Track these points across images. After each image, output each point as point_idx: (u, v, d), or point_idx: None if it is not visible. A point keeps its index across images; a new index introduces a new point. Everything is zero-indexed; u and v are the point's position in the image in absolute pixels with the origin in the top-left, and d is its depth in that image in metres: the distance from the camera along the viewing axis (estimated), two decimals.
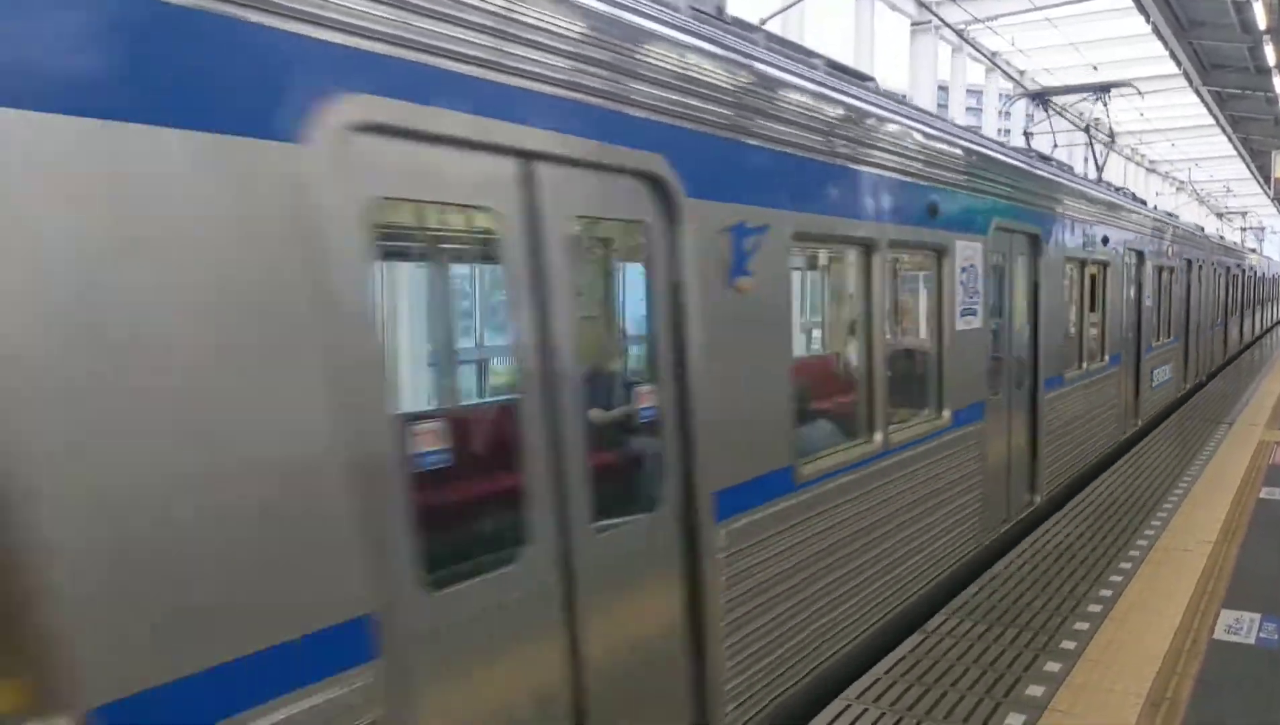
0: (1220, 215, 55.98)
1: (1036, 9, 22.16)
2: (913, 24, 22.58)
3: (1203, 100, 25.81)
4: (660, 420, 3.75)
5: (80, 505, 1.94)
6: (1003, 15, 23.16)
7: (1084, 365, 9.80)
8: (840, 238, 5.23)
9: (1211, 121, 29.35)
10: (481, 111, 2.87)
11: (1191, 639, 5.37)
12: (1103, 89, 13.71)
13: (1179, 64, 21.91)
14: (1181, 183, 45.98)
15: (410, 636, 2.65)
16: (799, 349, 5.17)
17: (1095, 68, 26.43)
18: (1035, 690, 4.75)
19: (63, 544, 1.92)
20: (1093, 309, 10.18)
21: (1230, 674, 4.91)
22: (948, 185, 6.19)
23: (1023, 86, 29.14)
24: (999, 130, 25.59)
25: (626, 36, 3.49)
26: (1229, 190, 48.76)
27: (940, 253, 6.21)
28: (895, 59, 23.61)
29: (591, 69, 3.29)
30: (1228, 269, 21.71)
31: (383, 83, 2.56)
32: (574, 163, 3.25)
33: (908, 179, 5.68)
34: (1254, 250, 35.93)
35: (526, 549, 3.10)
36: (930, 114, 7.31)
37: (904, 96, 8.04)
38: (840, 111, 4.93)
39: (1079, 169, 11.93)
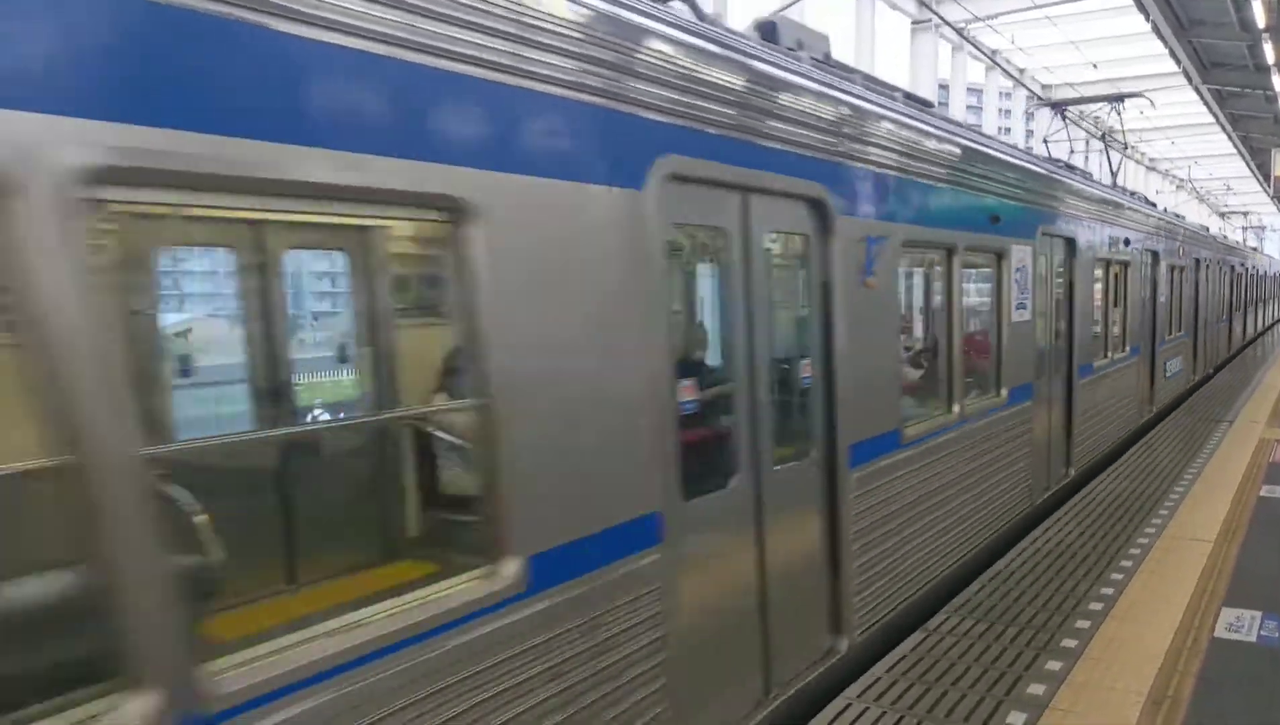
0: (1223, 215, 56.04)
1: (1036, 7, 22.15)
2: (913, 22, 22.56)
3: (1202, 98, 25.80)
4: (814, 388, 4.89)
5: (530, 432, 3.08)
6: (1003, 13, 23.15)
7: (1109, 355, 10.86)
8: (932, 244, 6.34)
9: (1211, 120, 29.34)
10: (721, 159, 4.00)
11: (1192, 637, 5.38)
12: (1118, 99, 15.02)
13: (1178, 62, 21.89)
14: (1181, 181, 45.97)
15: (676, 529, 3.76)
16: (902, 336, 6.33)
17: (1095, 66, 26.43)
18: (1036, 689, 4.75)
19: (523, 458, 3.06)
20: (1115, 305, 11.16)
21: (1231, 672, 4.92)
22: (1005, 198, 7.33)
23: (1023, 85, 29.18)
24: (998, 128, 25.58)
25: (807, 96, 4.69)
26: (1229, 188, 48.75)
27: (1000, 255, 7.28)
28: (895, 57, 23.61)
29: (787, 126, 4.46)
30: (1232, 267, 22.75)
31: (680, 146, 3.76)
32: (770, 193, 4.41)
33: (976, 194, 6.79)
34: (1255, 249, 36.62)
35: (734, 479, 4.30)
36: (987, 134, 8.71)
37: (968, 123, 9.54)
38: (933, 142, 6.11)
39: (1095, 175, 12.64)
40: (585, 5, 3.30)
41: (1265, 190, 39.24)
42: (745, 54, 4.36)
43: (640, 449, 3.58)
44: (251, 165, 2.29)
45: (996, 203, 7.12)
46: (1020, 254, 7.59)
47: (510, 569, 3.01)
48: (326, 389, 4.22)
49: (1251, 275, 28.14)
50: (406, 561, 3.38)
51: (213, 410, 4.27)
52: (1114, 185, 13.26)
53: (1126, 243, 11.34)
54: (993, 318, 7.35)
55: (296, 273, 4.10)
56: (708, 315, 4.71)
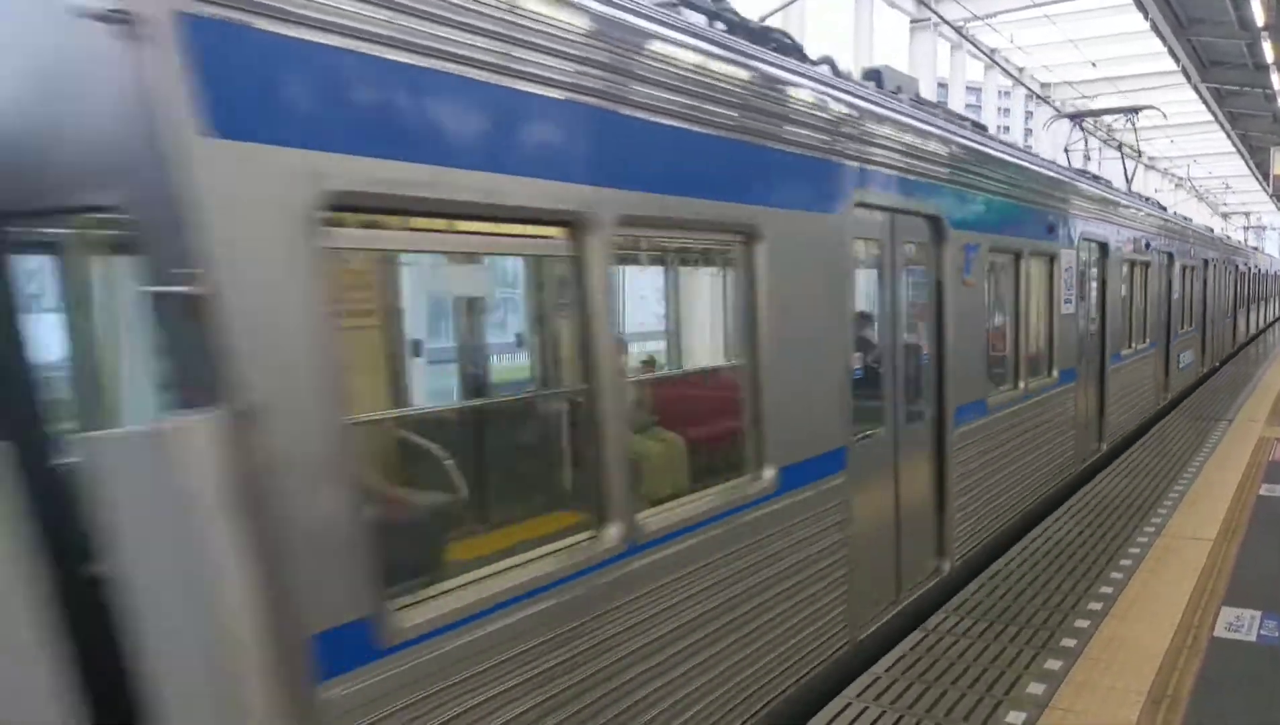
0: (1225, 215, 56.12)
1: (1035, 5, 22.13)
2: (912, 21, 22.55)
3: (1201, 97, 25.79)
4: (929, 364, 6.27)
5: (781, 383, 4.40)
6: (1002, 12, 23.14)
7: (1134, 346, 12.14)
8: (1007, 250, 7.60)
9: (1210, 118, 29.33)
10: (881, 189, 5.37)
11: (1192, 636, 5.38)
12: (1132, 111, 16.11)
13: (1177, 61, 21.87)
14: (1180, 180, 45.97)
15: (853, 460, 5.08)
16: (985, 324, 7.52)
17: (1094, 64, 26.43)
18: (1036, 688, 4.76)
19: (777, 400, 4.39)
20: (1137, 302, 12.38)
21: (1231, 671, 4.92)
22: (1057, 209, 8.71)
23: (1022, 84, 29.18)
24: (998, 127, 25.54)
25: (932, 140, 6.10)
26: (1228, 187, 48.74)
27: (1052, 258, 8.62)
28: (895, 56, 23.60)
29: (918, 162, 5.82)
30: (1236, 267, 24.09)
31: (860, 182, 5.11)
32: (908, 212, 5.79)
33: (1037, 207, 8.16)
34: (1256, 248, 37.15)
35: (881, 428, 5.67)
36: (1036, 155, 10.39)
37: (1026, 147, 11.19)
38: (1010, 166, 7.65)
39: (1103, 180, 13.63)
40: (816, 88, 4.86)
41: (1264, 188, 39.24)
42: (890, 109, 5.74)
43: (835, 400, 4.97)
44: (691, 212, 3.91)
45: (1051, 213, 8.55)
46: (1067, 257, 8.95)
47: (769, 474, 4.39)
48: (706, 351, 6.20)
49: (1254, 274, 29.37)
50: (721, 474, 4.46)
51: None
52: (1129, 191, 14.53)
53: (1147, 246, 12.67)
54: (1046, 311, 8.63)
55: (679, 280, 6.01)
56: (866, 304, 5.78)
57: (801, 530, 4.64)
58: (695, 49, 3.96)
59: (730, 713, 4.11)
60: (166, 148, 2.16)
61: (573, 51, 3.22)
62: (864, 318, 5.63)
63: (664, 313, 5.74)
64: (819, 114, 4.74)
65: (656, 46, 3.67)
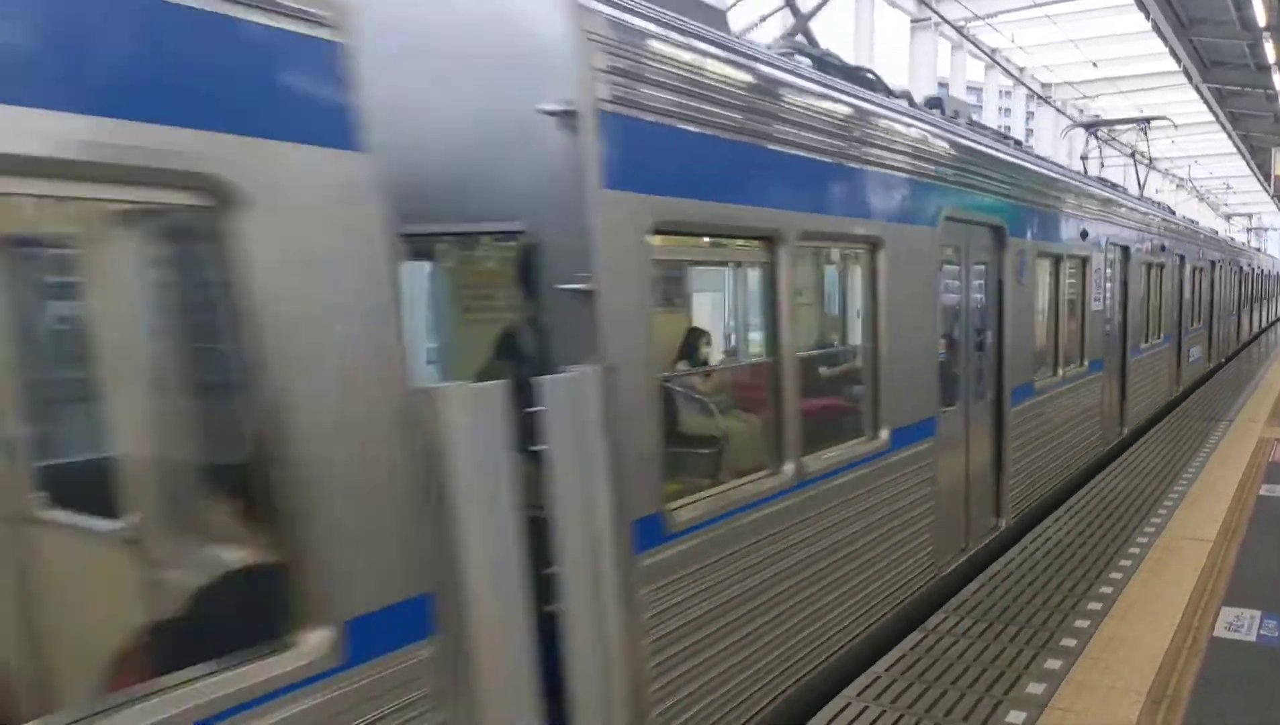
0: (1228, 217, 56.18)
1: (1036, 5, 22.12)
2: (912, 20, 22.54)
3: (1202, 97, 25.77)
4: (990, 350, 7.35)
5: (895, 362, 5.46)
6: (1002, 12, 23.13)
7: (1150, 341, 13.22)
8: (1052, 255, 8.69)
9: (1211, 118, 29.30)
10: (961, 205, 6.47)
11: (1192, 636, 5.37)
12: (1145, 121, 17.67)
13: (1179, 61, 21.86)
14: (1181, 180, 45.95)
15: (939, 428, 6.16)
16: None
17: (1095, 64, 26.40)
18: (1036, 688, 4.75)
19: (891, 374, 5.44)
20: (1153, 301, 13.42)
21: (1231, 671, 4.92)
22: (1089, 217, 9.86)
23: (1023, 84, 29.15)
24: (999, 126, 25.53)
25: (999, 164, 7.34)
26: (1229, 187, 48.72)
27: (1085, 261, 9.71)
28: (894, 55, 23.59)
29: (988, 180, 7.02)
30: (1240, 267, 25.39)
31: (949, 200, 6.22)
32: (979, 224, 6.98)
33: (1075, 216, 9.34)
34: (1259, 249, 37.74)
35: (956, 403, 6.74)
36: (1067, 168, 11.30)
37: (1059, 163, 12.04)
38: (1055, 179, 8.98)
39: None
40: (921, 126, 6.10)
41: (1265, 189, 39.22)
42: (968, 139, 6.98)
43: (929, 377, 6.08)
44: (840, 228, 5.17)
45: (1084, 222, 9.68)
46: (1097, 260, 10.08)
47: (884, 435, 5.43)
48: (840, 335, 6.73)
49: (1256, 274, 30.52)
50: (852, 433, 5.42)
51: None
52: (1141, 197, 15.50)
53: (1162, 249, 13.78)
54: (1080, 308, 9.70)
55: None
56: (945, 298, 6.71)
57: (904, 482, 5.74)
58: (847, 104, 5.14)
59: (860, 617, 5.30)
60: (583, 195, 3.30)
61: (790, 117, 4.53)
62: (947, 311, 6.71)
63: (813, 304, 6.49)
64: (923, 147, 6.00)
65: (822, 105, 4.85)
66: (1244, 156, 36.84)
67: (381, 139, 2.55)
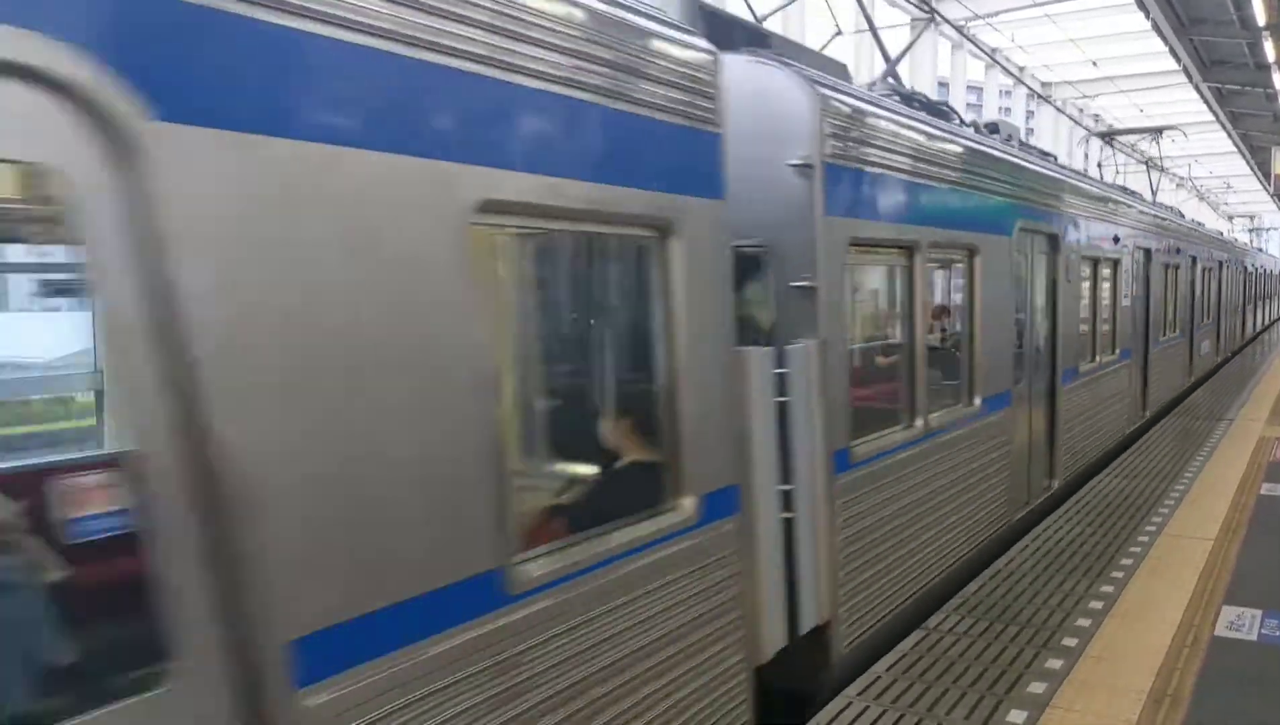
0: (1230, 217, 56.28)
1: (1036, 5, 22.11)
2: (912, 20, 22.53)
3: (1202, 96, 25.75)
4: (1047, 340, 8.65)
5: (987, 340, 6.87)
6: (1003, 11, 23.12)
7: (1166, 335, 14.54)
8: (1091, 258, 9.94)
9: (1211, 118, 29.29)
10: (1027, 217, 7.76)
11: (1193, 636, 5.37)
12: (1157, 131, 18.99)
13: (1178, 60, 21.84)
14: (1181, 179, 45.93)
15: (1013, 399, 7.41)
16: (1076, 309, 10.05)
17: (1095, 64, 26.40)
18: (1037, 687, 4.75)
19: (985, 351, 6.87)
20: (1169, 298, 14.66)
21: (1232, 671, 4.91)
22: (1120, 224, 11.22)
23: (1023, 83, 29.14)
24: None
25: (1056, 183, 8.86)
26: (1229, 186, 48.69)
27: (1116, 262, 11.02)
28: (893, 54, 23.52)
29: (1044, 195, 8.28)
30: (1244, 267, 26.93)
31: (1021, 214, 7.64)
32: (1039, 232, 8.21)
33: (1109, 222, 10.73)
34: (1260, 250, 40.13)
35: (1021, 383, 7.81)
36: (1103, 181, 13.67)
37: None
38: (1095, 192, 10.46)
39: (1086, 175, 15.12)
40: (1000, 152, 7.55)
41: (1265, 188, 39.18)
42: (1033, 161, 8.54)
43: (1008, 358, 7.41)
44: (951, 239, 6.57)
45: (1117, 228, 10.99)
46: (1126, 261, 11.42)
47: (977, 402, 6.75)
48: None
49: (1259, 274, 31.95)
50: (955, 400, 6.71)
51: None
52: (1154, 201, 16.96)
53: (1178, 251, 15.22)
54: (1112, 304, 11.03)
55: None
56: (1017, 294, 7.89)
57: (991, 441, 7.04)
58: (961, 144, 6.72)
59: (964, 542, 6.63)
60: (812, 220, 4.69)
61: (928, 158, 6.02)
62: (1018, 306, 7.93)
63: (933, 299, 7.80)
64: (1004, 172, 7.38)
65: (948, 147, 6.42)
66: (1244, 156, 36.80)
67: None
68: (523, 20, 2.90)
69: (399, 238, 2.53)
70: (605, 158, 3.34)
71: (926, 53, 22.49)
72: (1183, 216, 18.60)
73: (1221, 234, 27.00)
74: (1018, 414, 7.67)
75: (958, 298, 7.02)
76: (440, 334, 2.67)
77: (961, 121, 7.73)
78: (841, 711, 4.54)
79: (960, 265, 6.80)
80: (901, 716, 4.50)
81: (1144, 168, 20.97)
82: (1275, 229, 58.52)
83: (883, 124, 5.46)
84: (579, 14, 3.17)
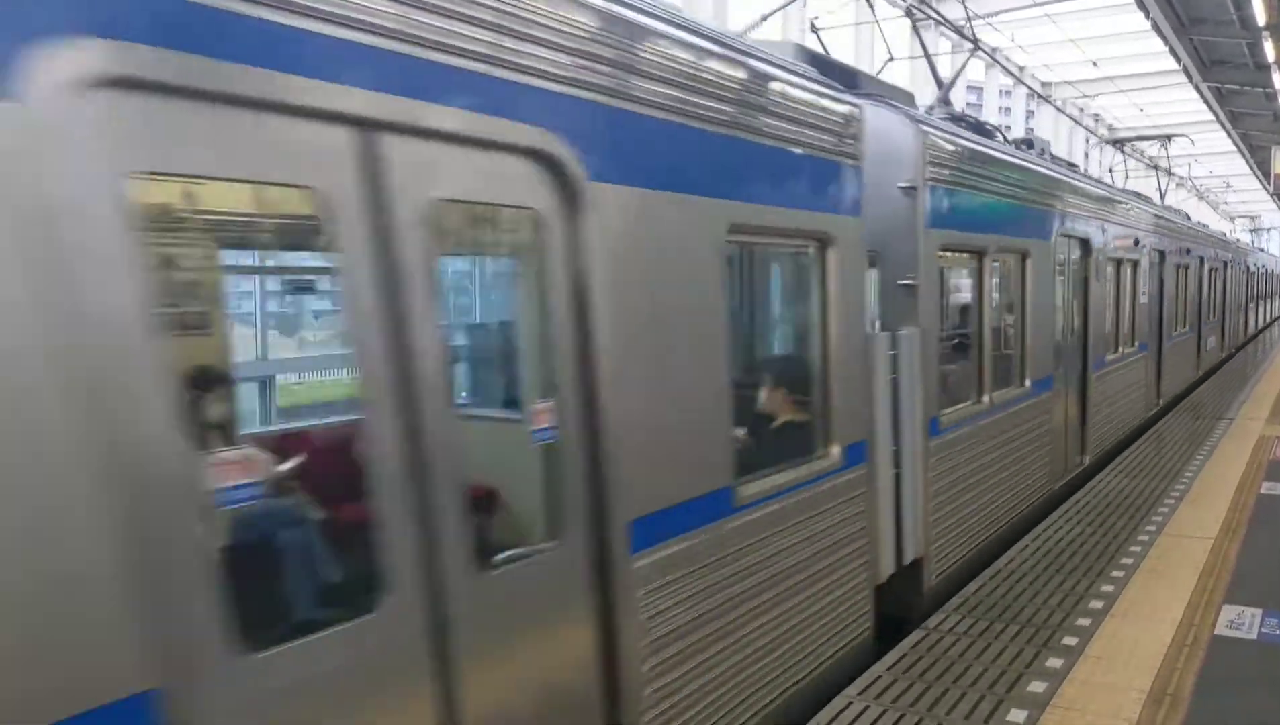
0: (1232, 218, 56.37)
1: (1036, 5, 22.10)
2: (912, 20, 22.50)
3: (1202, 96, 25.73)
4: (1079, 330, 9.70)
5: (1034, 338, 8.10)
6: (1003, 11, 23.10)
7: (1178, 330, 15.71)
8: (1117, 260, 11.06)
9: (1211, 117, 29.27)
10: (1068, 224, 9.16)
11: (1193, 635, 5.38)
12: (1165, 137, 20.67)
13: (1178, 60, 21.83)
14: (1181, 178, 45.94)
15: (1054, 385, 8.67)
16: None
17: (1095, 64, 26.38)
18: (1037, 686, 4.76)
19: (1036, 336, 8.20)
20: (1179, 296, 15.80)
21: (1232, 669, 4.92)
22: (1139, 228, 12.39)
23: (1023, 83, 29.12)
24: (1002, 125, 25.49)
25: (1085, 191, 10.09)
26: (1228, 186, 48.68)
27: (1135, 264, 12.12)
28: (894, 53, 23.47)
29: (1082, 204, 9.66)
30: (1247, 267, 28.14)
31: (1063, 222, 8.94)
32: (1074, 237, 9.38)
33: (1130, 226, 11.87)
34: (1262, 250, 40.84)
35: (1060, 368, 8.92)
36: (1123, 188, 14.75)
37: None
38: (1119, 201, 11.68)
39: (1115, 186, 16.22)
40: (1051, 171, 8.98)
41: (1265, 187, 39.14)
42: (1066, 175, 9.77)
43: (1049, 347, 8.51)
44: (1011, 245, 7.75)
45: (1138, 233, 12.21)
46: (1144, 263, 12.59)
47: (1027, 384, 7.92)
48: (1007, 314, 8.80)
49: (1261, 273, 33.16)
50: (1010, 382, 7.81)
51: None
52: (1163, 204, 17.94)
53: (1187, 252, 16.38)
54: (1132, 302, 12.02)
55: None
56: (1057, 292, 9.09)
57: (1037, 419, 8.15)
58: (1019, 164, 8.06)
59: (1022, 498, 7.90)
60: (915, 231, 5.81)
61: (997, 176, 7.34)
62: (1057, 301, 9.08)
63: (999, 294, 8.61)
64: (1049, 186, 8.63)
65: (1011, 166, 7.81)
66: (1244, 155, 36.78)
67: None
68: (764, 101, 4.27)
69: (696, 246, 3.82)
70: (793, 189, 4.56)
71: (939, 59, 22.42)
72: (1189, 218, 19.90)
73: (1224, 235, 28.23)
74: (1057, 396, 8.85)
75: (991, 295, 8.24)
76: (709, 319, 3.90)
77: (1005, 139, 9.08)
78: (843, 711, 4.55)
79: (1014, 267, 7.90)
80: (902, 716, 4.50)
81: (1153, 172, 22.18)
82: (1276, 228, 58.54)
83: (964, 151, 6.76)
84: (790, 90, 4.52)
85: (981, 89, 29.32)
